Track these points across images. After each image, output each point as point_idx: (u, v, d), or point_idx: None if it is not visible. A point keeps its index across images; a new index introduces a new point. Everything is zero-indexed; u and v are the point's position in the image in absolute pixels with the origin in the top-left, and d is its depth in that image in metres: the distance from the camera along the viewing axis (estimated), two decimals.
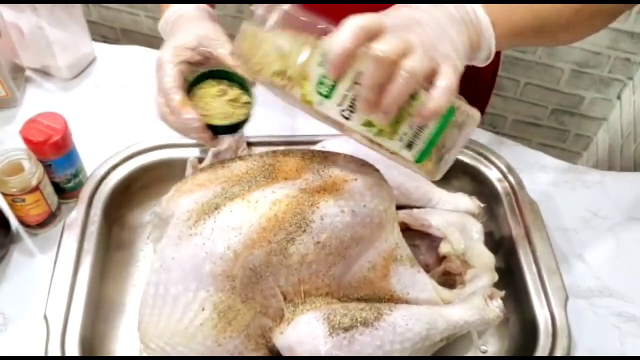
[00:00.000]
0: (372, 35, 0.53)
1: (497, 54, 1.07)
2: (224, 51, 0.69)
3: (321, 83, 0.55)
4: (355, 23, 0.53)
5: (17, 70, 1.02)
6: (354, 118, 0.56)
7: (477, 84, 1.08)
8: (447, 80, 0.55)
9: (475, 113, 0.61)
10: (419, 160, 0.59)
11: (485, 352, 0.74)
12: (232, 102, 0.69)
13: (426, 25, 0.58)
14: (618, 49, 1.49)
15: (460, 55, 0.60)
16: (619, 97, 1.60)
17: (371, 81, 0.53)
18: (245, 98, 0.69)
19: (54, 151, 0.79)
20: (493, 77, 1.17)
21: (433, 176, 0.61)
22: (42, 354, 0.67)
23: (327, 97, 0.55)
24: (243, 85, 0.70)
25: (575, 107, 1.68)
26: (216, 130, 0.67)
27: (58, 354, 0.67)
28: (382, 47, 0.52)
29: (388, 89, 0.53)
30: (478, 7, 0.63)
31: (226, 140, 0.81)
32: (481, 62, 0.67)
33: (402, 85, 0.53)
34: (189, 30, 0.71)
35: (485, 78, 1.13)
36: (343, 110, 0.56)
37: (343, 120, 0.56)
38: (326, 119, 0.58)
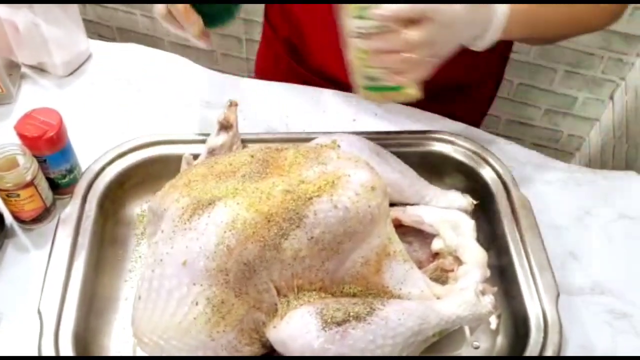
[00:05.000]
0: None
1: (497, 72, 1.08)
2: None
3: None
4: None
5: (13, 67, 1.02)
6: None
7: (481, 81, 1.10)
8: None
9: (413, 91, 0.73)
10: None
11: (477, 347, 0.75)
12: None
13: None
14: (611, 49, 1.50)
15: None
16: (611, 98, 1.61)
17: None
18: None
19: (48, 147, 0.79)
20: (498, 79, 1.18)
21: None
22: (36, 349, 0.67)
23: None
24: None
25: (568, 107, 1.69)
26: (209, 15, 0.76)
27: (51, 348, 0.67)
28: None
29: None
30: None
31: (221, 137, 0.82)
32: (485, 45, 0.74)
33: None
34: None
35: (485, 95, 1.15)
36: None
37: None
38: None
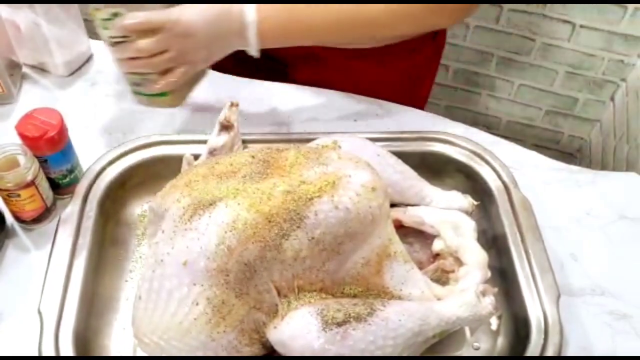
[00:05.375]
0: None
1: (437, 41, 1.08)
2: None
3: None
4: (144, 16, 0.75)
5: (14, 67, 1.02)
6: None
7: (409, 72, 1.11)
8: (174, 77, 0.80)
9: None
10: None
11: (478, 348, 0.75)
12: None
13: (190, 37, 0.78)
14: (612, 50, 1.50)
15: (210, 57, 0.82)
16: (612, 99, 1.61)
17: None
18: None
19: (49, 147, 0.79)
20: (430, 66, 1.17)
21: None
22: (36, 349, 0.67)
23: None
24: None
25: (569, 108, 1.69)
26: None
27: (52, 348, 0.67)
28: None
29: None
30: (250, 8, 0.79)
31: (222, 138, 0.82)
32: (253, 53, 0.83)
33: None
34: None
35: (420, 67, 1.14)
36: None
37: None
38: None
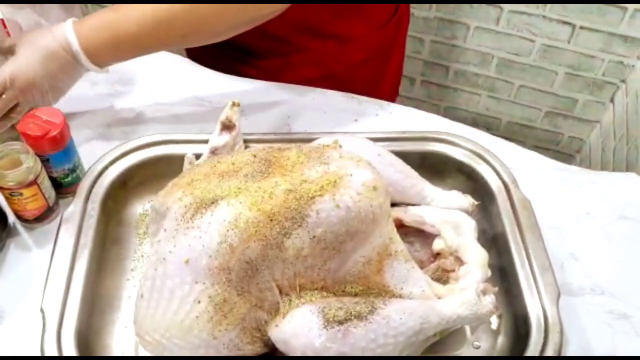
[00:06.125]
0: None
1: (399, 18, 1.10)
2: None
3: None
4: None
5: None
6: None
7: (380, 48, 1.12)
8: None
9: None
10: None
11: (478, 347, 0.75)
12: None
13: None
14: (611, 52, 1.50)
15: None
16: (612, 100, 1.62)
17: None
18: None
19: (51, 146, 0.79)
20: (397, 40, 1.17)
21: None
22: (38, 347, 0.67)
23: None
24: None
25: (569, 109, 1.69)
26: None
27: (54, 347, 0.67)
28: None
29: None
30: (71, 36, 0.82)
31: (223, 137, 0.82)
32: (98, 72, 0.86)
33: None
34: None
35: (387, 42, 1.14)
36: None
37: None
38: None
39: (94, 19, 0.83)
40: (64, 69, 0.84)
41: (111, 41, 0.83)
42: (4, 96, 0.81)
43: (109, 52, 0.84)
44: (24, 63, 0.82)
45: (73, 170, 0.84)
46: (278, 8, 0.85)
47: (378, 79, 1.16)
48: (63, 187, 0.85)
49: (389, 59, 1.17)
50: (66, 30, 0.82)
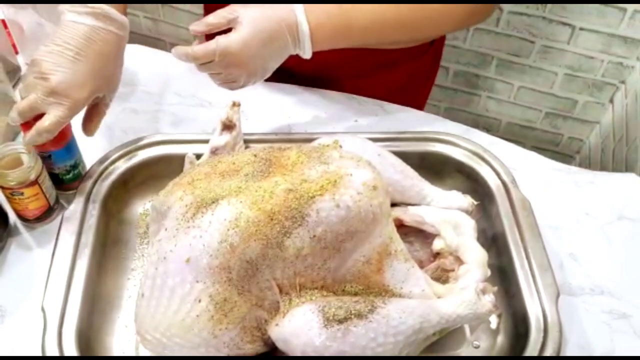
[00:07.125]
0: None
1: (436, 45, 1.09)
2: None
3: None
4: None
5: (16, 72, 1.02)
6: None
7: (413, 75, 1.12)
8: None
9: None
10: None
11: (477, 347, 0.75)
12: None
13: None
14: (611, 53, 1.50)
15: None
16: (611, 101, 1.62)
17: None
18: None
19: (53, 142, 0.79)
20: (431, 69, 1.18)
21: None
22: (39, 346, 0.68)
23: None
24: None
25: (569, 110, 1.70)
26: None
27: (55, 346, 0.68)
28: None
29: None
30: (302, 18, 0.79)
31: (224, 137, 0.82)
32: (305, 56, 0.83)
33: None
34: None
35: (423, 70, 1.15)
36: None
37: None
38: None
39: (326, 6, 0.81)
40: (280, 52, 0.82)
41: (340, 29, 0.82)
42: (208, 65, 0.80)
43: (331, 39, 0.83)
44: (242, 42, 0.78)
45: (75, 167, 0.85)
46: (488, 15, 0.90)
47: (411, 99, 1.14)
48: (64, 184, 0.85)
49: (424, 83, 1.19)
50: (297, 13, 0.80)
